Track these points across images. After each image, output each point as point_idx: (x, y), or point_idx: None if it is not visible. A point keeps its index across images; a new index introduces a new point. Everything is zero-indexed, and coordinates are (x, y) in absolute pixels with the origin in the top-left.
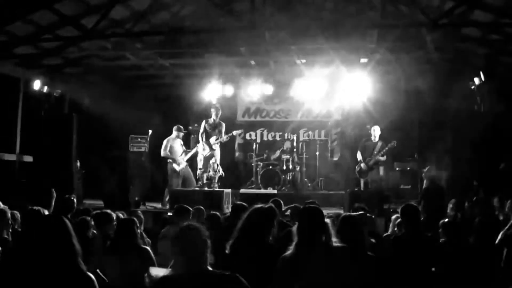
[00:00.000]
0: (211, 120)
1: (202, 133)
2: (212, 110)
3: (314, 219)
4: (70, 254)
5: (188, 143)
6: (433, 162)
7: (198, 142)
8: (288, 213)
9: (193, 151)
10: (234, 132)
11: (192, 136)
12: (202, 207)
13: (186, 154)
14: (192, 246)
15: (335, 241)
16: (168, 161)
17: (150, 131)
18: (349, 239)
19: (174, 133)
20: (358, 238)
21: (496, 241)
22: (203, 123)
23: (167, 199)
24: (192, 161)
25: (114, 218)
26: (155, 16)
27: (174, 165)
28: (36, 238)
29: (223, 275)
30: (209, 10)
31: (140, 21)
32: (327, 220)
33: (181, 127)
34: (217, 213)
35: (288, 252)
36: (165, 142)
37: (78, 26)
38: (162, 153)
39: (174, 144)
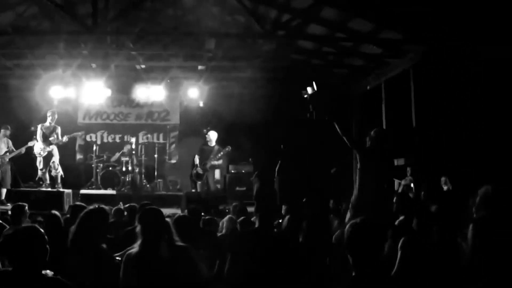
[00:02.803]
0: (47, 124)
1: (39, 136)
2: (48, 114)
3: (156, 219)
4: None
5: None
6: (265, 166)
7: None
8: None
9: (17, 151)
10: (75, 134)
11: (34, 136)
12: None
13: (10, 153)
14: (26, 248)
15: (177, 240)
16: None
17: (2, 130)
18: (187, 238)
19: (0, 131)
20: (195, 236)
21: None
22: (39, 126)
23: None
24: (32, 162)
25: None
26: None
27: None
28: None
29: (53, 280)
30: (52, 12)
31: None
32: (168, 220)
33: (8, 126)
34: (57, 213)
35: (133, 250)
36: None
37: None
38: None
39: None
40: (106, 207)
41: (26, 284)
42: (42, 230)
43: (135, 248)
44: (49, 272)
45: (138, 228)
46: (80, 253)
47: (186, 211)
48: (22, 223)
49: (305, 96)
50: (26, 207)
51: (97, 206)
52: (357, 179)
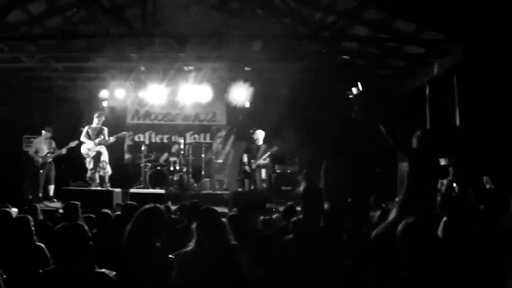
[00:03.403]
0: (93, 125)
1: (85, 136)
2: (95, 116)
3: (212, 218)
4: None
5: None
6: (310, 165)
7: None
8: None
9: (58, 152)
10: (122, 134)
11: (76, 138)
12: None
13: (52, 154)
14: (71, 244)
15: (231, 239)
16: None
17: (43, 132)
18: (239, 237)
19: (43, 134)
20: (248, 235)
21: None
22: (86, 128)
23: (41, 194)
24: (81, 162)
25: (12, 215)
26: (49, 20)
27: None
28: None
29: (100, 274)
30: (100, 16)
31: (35, 24)
32: (224, 219)
33: (50, 128)
34: (109, 212)
35: (188, 249)
36: (33, 142)
37: None
38: (29, 152)
39: (39, 144)
40: (161, 206)
41: (71, 279)
42: (87, 228)
43: (190, 247)
44: (106, 271)
45: (193, 227)
46: (135, 251)
47: (235, 210)
48: (74, 220)
49: (350, 96)
50: (79, 205)
51: (152, 205)
52: (406, 179)
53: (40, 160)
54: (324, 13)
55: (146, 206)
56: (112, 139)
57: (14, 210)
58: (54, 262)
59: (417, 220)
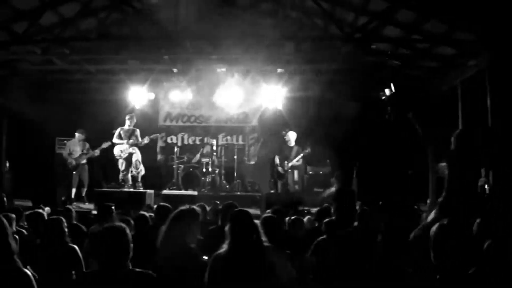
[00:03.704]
0: (126, 127)
1: (117, 138)
2: (127, 118)
3: (246, 220)
4: (6, 252)
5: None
6: (343, 167)
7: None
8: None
9: (91, 153)
10: (154, 135)
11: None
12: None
13: (85, 155)
14: (115, 245)
15: (264, 241)
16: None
17: (77, 134)
18: (273, 239)
19: (76, 135)
20: (281, 237)
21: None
22: (118, 130)
23: (73, 195)
24: (114, 163)
25: (45, 216)
26: (82, 22)
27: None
28: None
29: (141, 273)
30: (133, 18)
31: (68, 27)
32: (256, 221)
33: (83, 130)
34: (146, 214)
35: (222, 250)
36: (67, 144)
37: (8, 31)
38: (63, 154)
39: (73, 146)
40: (197, 208)
41: (114, 280)
42: (128, 229)
43: (223, 249)
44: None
45: (227, 228)
46: (170, 252)
47: (268, 211)
48: (108, 222)
49: (383, 98)
50: (113, 207)
51: (187, 207)
52: (445, 181)
53: (73, 162)
54: (357, 14)
55: (181, 208)
56: (145, 140)
57: (46, 209)
58: (86, 264)
59: (451, 221)
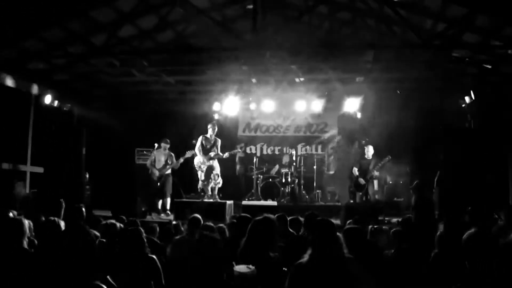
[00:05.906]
0: (208, 136)
1: (199, 148)
2: (209, 126)
3: (329, 230)
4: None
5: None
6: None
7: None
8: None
9: (173, 163)
10: (234, 151)
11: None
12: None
13: (170, 165)
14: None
15: (346, 252)
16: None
17: (156, 145)
18: (355, 250)
19: (162, 146)
20: (363, 249)
21: None
22: (200, 138)
23: (159, 206)
24: (194, 174)
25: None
26: (160, 34)
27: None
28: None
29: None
30: (212, 29)
31: (147, 39)
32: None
33: (167, 140)
34: (223, 225)
35: (303, 260)
36: (152, 154)
37: (87, 43)
38: (147, 164)
39: (158, 156)
40: (274, 217)
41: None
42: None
43: (305, 258)
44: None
45: (310, 238)
46: (250, 262)
47: (350, 221)
48: (196, 233)
49: (463, 105)
50: (201, 219)
51: (264, 216)
52: None
53: (157, 173)
54: (435, 21)
55: (258, 217)
56: (226, 155)
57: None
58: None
59: (479, 230)
